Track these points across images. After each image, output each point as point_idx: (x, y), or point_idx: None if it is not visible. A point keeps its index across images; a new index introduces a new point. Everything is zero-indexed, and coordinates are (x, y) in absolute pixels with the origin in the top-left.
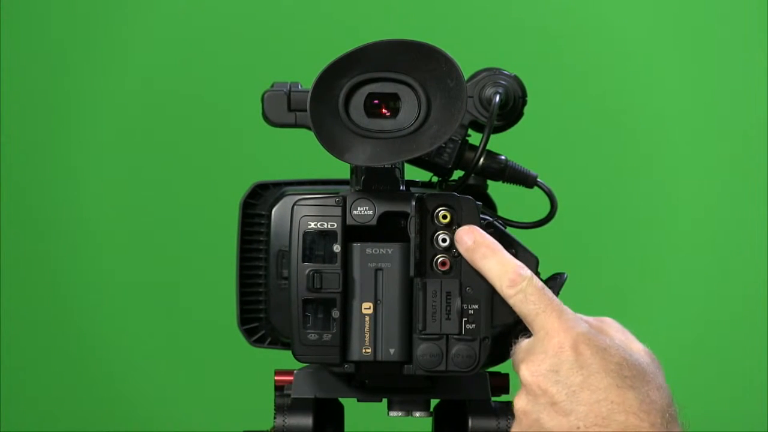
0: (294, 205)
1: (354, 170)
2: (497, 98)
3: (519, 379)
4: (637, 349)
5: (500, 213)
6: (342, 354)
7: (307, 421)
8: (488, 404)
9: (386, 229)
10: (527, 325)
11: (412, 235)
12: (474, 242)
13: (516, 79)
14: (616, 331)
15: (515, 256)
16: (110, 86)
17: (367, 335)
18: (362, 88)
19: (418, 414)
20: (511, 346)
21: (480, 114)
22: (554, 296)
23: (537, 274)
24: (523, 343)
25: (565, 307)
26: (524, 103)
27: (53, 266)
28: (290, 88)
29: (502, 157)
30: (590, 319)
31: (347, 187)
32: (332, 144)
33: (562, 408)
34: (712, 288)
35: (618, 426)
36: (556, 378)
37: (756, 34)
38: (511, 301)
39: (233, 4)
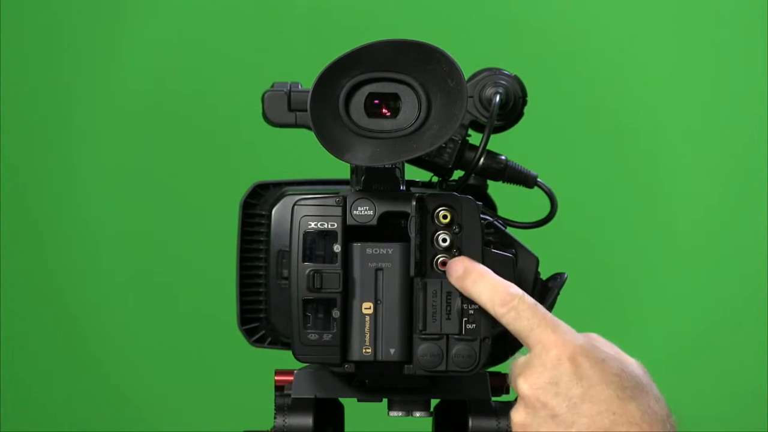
0: (294, 205)
1: (354, 170)
2: (497, 98)
3: (517, 393)
4: (630, 361)
5: (500, 213)
6: (342, 354)
7: (308, 421)
8: (488, 404)
9: (386, 229)
10: (523, 343)
11: (413, 235)
12: (464, 270)
13: (516, 79)
14: (604, 345)
15: (515, 255)
16: (110, 86)
17: (368, 335)
18: (362, 88)
19: (418, 414)
20: (519, 347)
21: (480, 114)
22: (547, 311)
23: (537, 274)
24: (520, 359)
25: (559, 321)
26: (524, 103)
27: (53, 266)
28: (290, 88)
29: (503, 157)
30: (579, 334)
31: (347, 187)
32: (332, 144)
33: (563, 420)
34: (712, 288)
35: None
36: (555, 390)
37: (756, 34)
38: (504, 320)
39: (233, 4)
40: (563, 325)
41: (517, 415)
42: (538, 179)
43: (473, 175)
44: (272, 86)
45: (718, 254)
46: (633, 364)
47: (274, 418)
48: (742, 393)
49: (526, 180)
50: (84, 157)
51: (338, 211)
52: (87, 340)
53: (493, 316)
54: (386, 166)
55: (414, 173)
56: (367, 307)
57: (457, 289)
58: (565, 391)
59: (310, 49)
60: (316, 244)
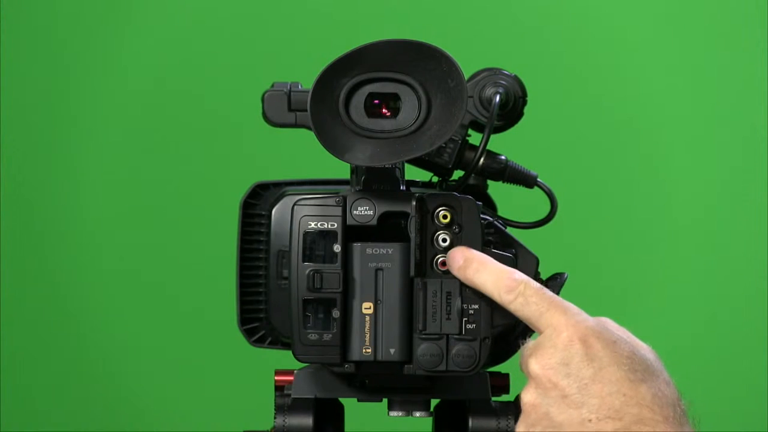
0: (294, 205)
1: (354, 170)
2: (497, 98)
3: (527, 374)
4: (641, 345)
5: (500, 213)
6: (342, 354)
7: (308, 421)
8: (488, 404)
9: (386, 229)
10: (533, 328)
11: (413, 235)
12: (464, 260)
13: (516, 79)
14: (616, 329)
15: (515, 255)
16: (111, 86)
17: (368, 335)
18: (362, 88)
19: (418, 414)
20: (519, 347)
21: (480, 114)
22: (554, 294)
23: (537, 273)
24: (531, 342)
25: (568, 303)
26: (524, 103)
27: (53, 266)
28: (290, 88)
29: (502, 157)
30: (590, 317)
31: (347, 187)
32: (332, 144)
33: (573, 401)
34: (712, 288)
35: (631, 419)
36: (566, 371)
37: (756, 34)
38: (512, 307)
39: (233, 4)
40: (573, 308)
41: (528, 396)
42: (538, 179)
43: (473, 175)
44: (272, 86)
45: (718, 254)
46: (644, 348)
47: (274, 418)
48: (742, 393)
49: (526, 180)
50: (84, 157)
51: (338, 211)
52: (87, 340)
53: (500, 304)
54: (386, 166)
55: (414, 173)
56: (367, 307)
57: (457, 290)
58: (576, 372)
59: (310, 49)
60: (316, 244)
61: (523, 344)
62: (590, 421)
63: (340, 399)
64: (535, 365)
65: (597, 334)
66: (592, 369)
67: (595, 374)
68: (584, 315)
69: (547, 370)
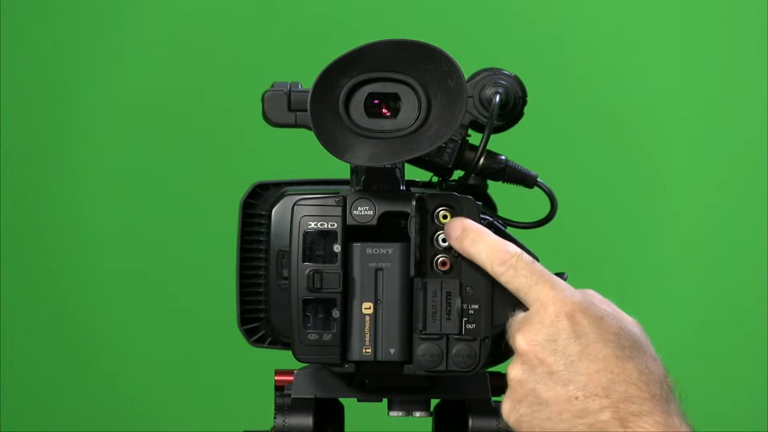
0: (294, 205)
1: (354, 170)
2: (497, 98)
3: (514, 349)
4: (628, 319)
5: (500, 213)
6: (342, 354)
7: (308, 421)
8: (488, 404)
9: (386, 229)
10: (522, 300)
11: (413, 235)
12: (462, 230)
13: (516, 79)
14: (601, 302)
15: None
16: (110, 86)
17: (368, 335)
18: (362, 88)
19: (418, 414)
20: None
21: (480, 114)
22: (545, 269)
23: None
24: (519, 315)
25: (557, 278)
26: (524, 103)
27: (53, 266)
28: (290, 88)
29: (502, 157)
30: (576, 291)
31: (347, 187)
32: (332, 144)
33: (560, 378)
34: (711, 288)
35: (618, 396)
36: (553, 347)
37: (756, 34)
38: (503, 279)
39: (233, 4)
40: (561, 282)
41: (514, 371)
42: (538, 179)
43: (473, 175)
44: (272, 86)
45: (718, 254)
46: (631, 323)
47: (274, 418)
48: (742, 393)
49: (526, 180)
50: (84, 157)
51: (338, 211)
52: (87, 339)
53: (492, 276)
54: (386, 166)
55: (414, 173)
56: (367, 307)
57: (457, 289)
58: (563, 349)
59: (310, 49)
60: (316, 244)
61: (511, 317)
62: (577, 398)
63: (340, 399)
64: (521, 341)
65: (583, 309)
66: (579, 346)
67: (582, 351)
68: (571, 290)
69: (534, 346)
